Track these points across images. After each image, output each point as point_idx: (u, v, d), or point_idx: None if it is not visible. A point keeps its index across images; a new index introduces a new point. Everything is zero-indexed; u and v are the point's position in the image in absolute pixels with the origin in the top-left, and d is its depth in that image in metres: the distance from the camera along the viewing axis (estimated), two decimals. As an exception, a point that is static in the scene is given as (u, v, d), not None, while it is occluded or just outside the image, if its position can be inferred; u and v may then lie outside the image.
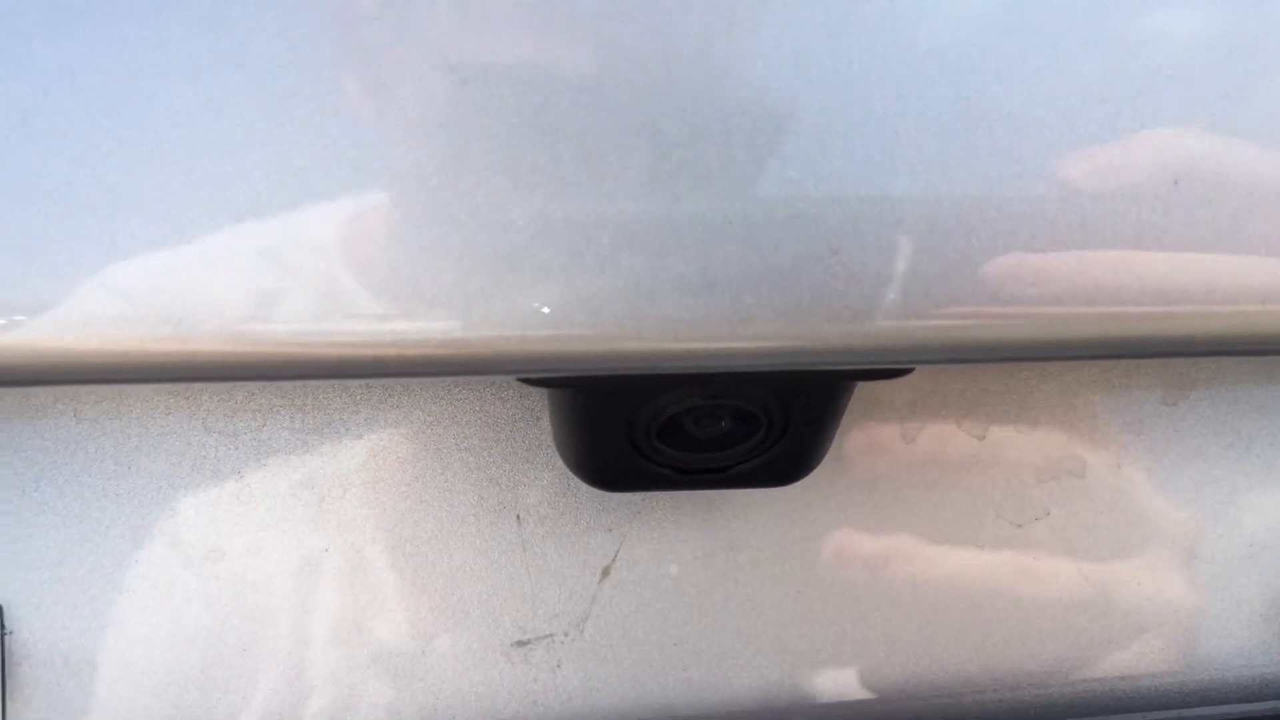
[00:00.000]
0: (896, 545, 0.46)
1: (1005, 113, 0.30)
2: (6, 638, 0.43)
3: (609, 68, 0.29)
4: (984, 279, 0.30)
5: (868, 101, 0.29)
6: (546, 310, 0.29)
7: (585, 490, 0.45)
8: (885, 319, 0.30)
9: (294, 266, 0.29)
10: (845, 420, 0.42)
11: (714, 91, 0.29)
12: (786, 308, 0.30)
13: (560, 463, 0.44)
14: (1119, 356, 0.32)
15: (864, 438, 0.45)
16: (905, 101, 0.29)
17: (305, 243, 0.29)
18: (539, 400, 0.44)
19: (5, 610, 0.43)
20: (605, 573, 0.45)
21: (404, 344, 0.29)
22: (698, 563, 0.45)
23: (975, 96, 0.30)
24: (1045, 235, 0.30)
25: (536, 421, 0.44)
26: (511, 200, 0.29)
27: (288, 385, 0.44)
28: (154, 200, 0.28)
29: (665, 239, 0.29)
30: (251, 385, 0.43)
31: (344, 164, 0.28)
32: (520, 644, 0.45)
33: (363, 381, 0.44)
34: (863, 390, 0.44)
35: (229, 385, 0.43)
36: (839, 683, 0.46)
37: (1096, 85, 0.30)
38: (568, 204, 0.29)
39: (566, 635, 0.45)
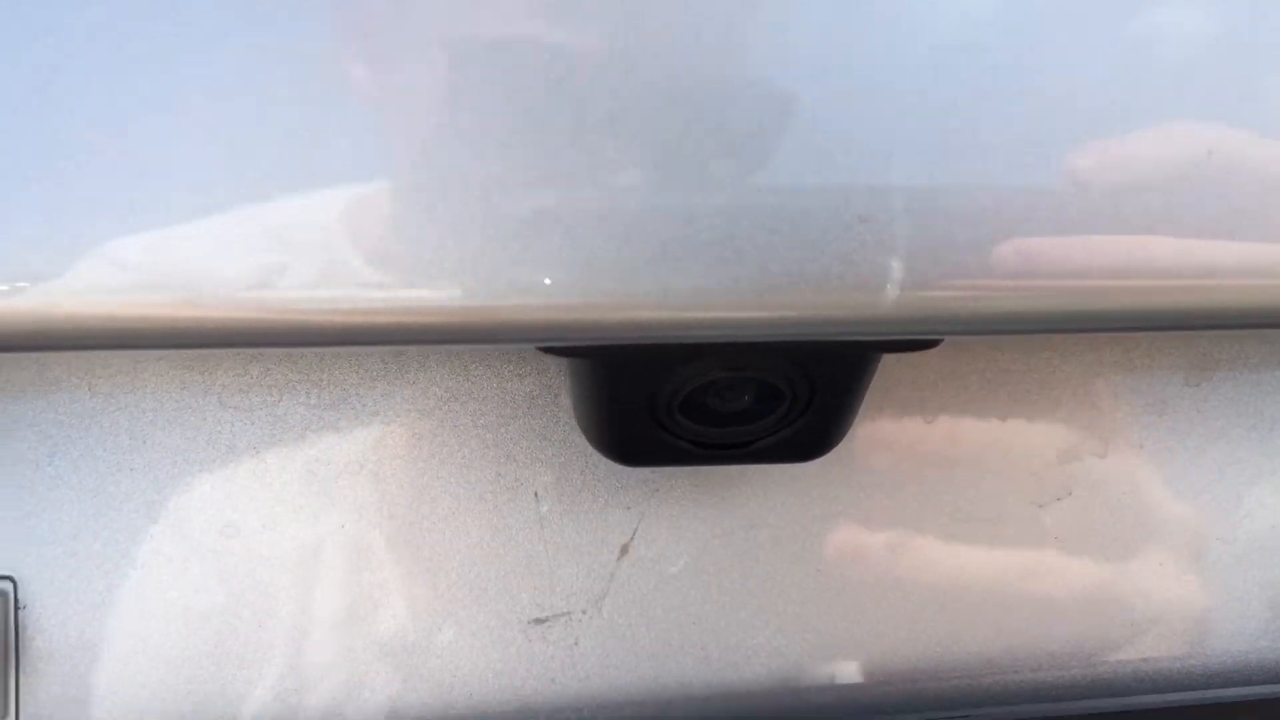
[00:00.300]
0: (916, 525, 0.45)
1: (1038, 81, 0.29)
2: (20, 613, 0.43)
3: (637, 28, 0.28)
4: (1015, 249, 0.29)
5: (901, 66, 0.29)
6: (572, 277, 0.29)
7: (603, 467, 0.44)
8: (915, 288, 0.30)
9: (313, 232, 0.28)
10: (864, 400, 0.41)
11: (745, 54, 0.29)
12: (815, 276, 0.29)
13: (578, 440, 0.44)
14: (1148, 329, 0.32)
15: (883, 417, 0.45)
16: (939, 67, 0.29)
17: (321, 208, 0.28)
18: (556, 377, 0.44)
19: (19, 585, 0.43)
20: (624, 550, 0.45)
21: (428, 311, 0.29)
22: (717, 541, 0.45)
23: (1012, 62, 0.29)
24: (1077, 205, 0.30)
25: (554, 398, 0.44)
26: (537, 165, 0.28)
27: (303, 361, 0.43)
28: (163, 167, 0.28)
29: (693, 205, 0.29)
30: (267, 361, 0.43)
31: (362, 125, 0.28)
32: (538, 621, 0.44)
33: (380, 355, 0.43)
34: (881, 369, 0.44)
35: (244, 360, 0.43)
36: (858, 662, 0.46)
37: (1134, 51, 0.30)
38: (594, 169, 0.28)
39: (584, 613, 0.45)
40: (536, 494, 0.44)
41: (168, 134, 0.28)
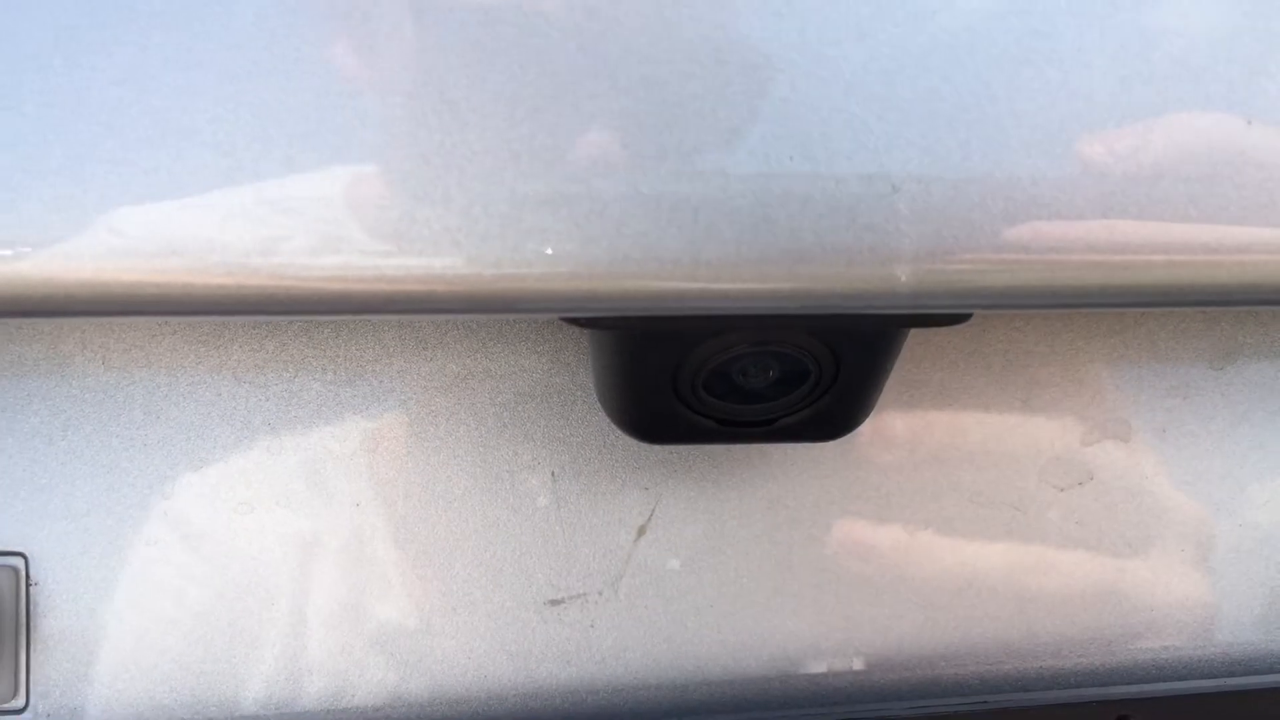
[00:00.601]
0: (937, 507, 0.45)
1: (1074, 51, 0.29)
2: (31, 589, 0.42)
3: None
4: (1051, 222, 0.29)
5: (934, 34, 0.29)
6: (601, 246, 0.28)
7: (621, 448, 0.44)
8: (947, 260, 0.29)
9: (335, 198, 0.28)
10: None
11: (780, 22, 0.28)
12: (846, 246, 0.29)
13: (597, 420, 0.44)
14: (1185, 304, 0.32)
15: (904, 398, 0.44)
16: (972, 35, 0.29)
17: (345, 174, 0.28)
18: (575, 356, 0.43)
19: (30, 561, 0.42)
20: (640, 531, 0.44)
21: (455, 280, 0.29)
22: (735, 522, 0.44)
23: (1044, 30, 0.29)
24: (1113, 178, 0.29)
25: (572, 377, 0.44)
26: (565, 133, 0.28)
27: (319, 336, 0.43)
28: (172, 132, 0.27)
29: (723, 173, 0.28)
30: (283, 336, 0.43)
31: (385, 86, 0.28)
32: (554, 603, 0.44)
33: (397, 332, 0.43)
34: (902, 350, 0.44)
35: (260, 336, 0.42)
36: (876, 646, 0.45)
37: (1172, 23, 0.29)
38: (623, 136, 0.28)
39: (601, 594, 0.44)
40: (554, 473, 0.44)
41: (175, 98, 0.27)
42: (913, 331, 0.37)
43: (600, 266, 0.29)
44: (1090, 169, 0.29)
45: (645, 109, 0.28)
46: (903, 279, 0.29)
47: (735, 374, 0.36)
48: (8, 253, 0.27)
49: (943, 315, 0.33)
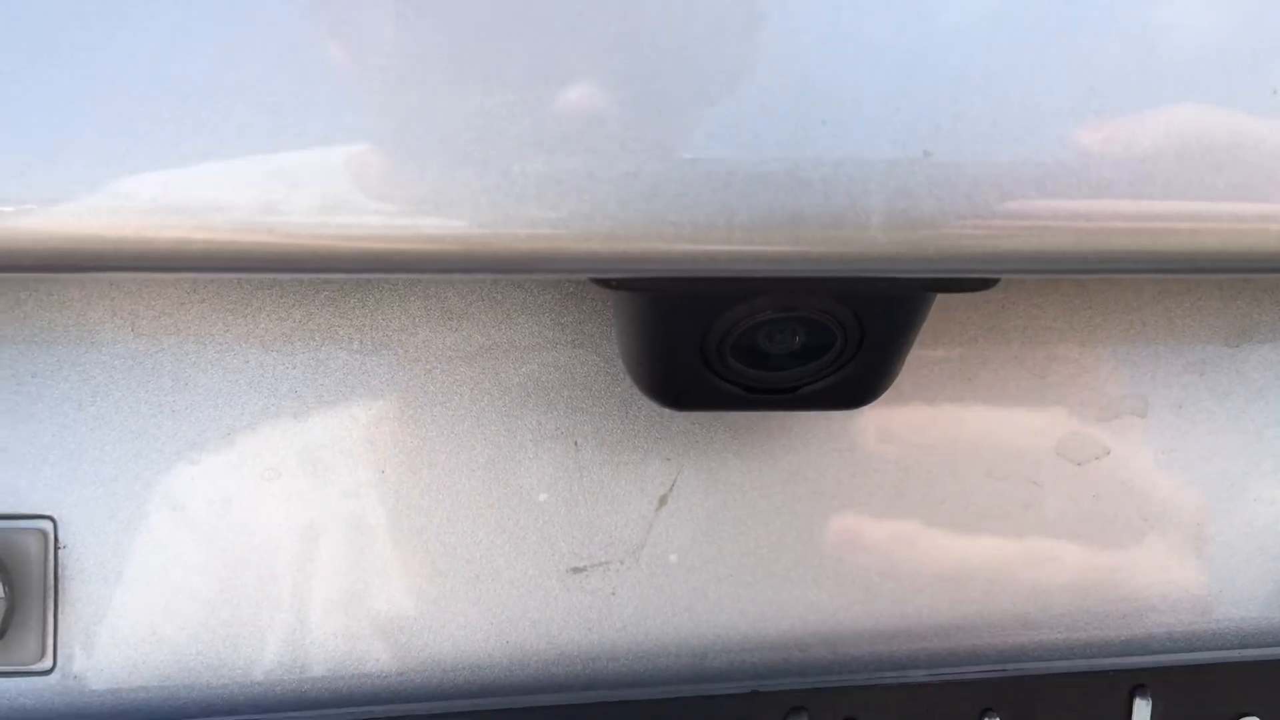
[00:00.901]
0: (955, 481, 0.45)
1: (1108, 19, 0.29)
2: (60, 552, 0.43)
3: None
4: (1084, 186, 0.29)
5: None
6: (636, 208, 0.29)
7: (644, 418, 0.44)
8: (978, 225, 0.30)
9: (358, 155, 0.28)
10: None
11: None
12: (879, 209, 0.29)
13: (619, 390, 0.44)
14: (1215, 271, 0.32)
15: (923, 372, 0.45)
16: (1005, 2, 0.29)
17: (377, 129, 0.28)
18: (598, 326, 0.44)
19: (59, 525, 0.43)
20: (662, 501, 0.45)
21: (492, 239, 0.29)
22: (755, 493, 0.45)
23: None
24: (1140, 144, 0.30)
25: (596, 348, 0.44)
26: (602, 95, 0.28)
27: (345, 305, 0.43)
28: (214, 92, 0.28)
29: (757, 137, 0.29)
30: (310, 305, 0.43)
31: (409, 38, 0.28)
32: (576, 570, 0.44)
33: (423, 301, 0.43)
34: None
35: (287, 304, 0.43)
36: (894, 617, 0.46)
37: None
38: (659, 100, 0.28)
39: (622, 563, 0.45)
40: (577, 443, 0.44)
41: (222, 56, 0.28)
42: (933, 307, 0.37)
43: (636, 227, 0.29)
44: (1119, 135, 0.29)
45: (680, 73, 0.28)
46: (934, 242, 0.30)
47: (762, 340, 0.36)
48: (57, 208, 0.28)
49: (969, 280, 0.33)
